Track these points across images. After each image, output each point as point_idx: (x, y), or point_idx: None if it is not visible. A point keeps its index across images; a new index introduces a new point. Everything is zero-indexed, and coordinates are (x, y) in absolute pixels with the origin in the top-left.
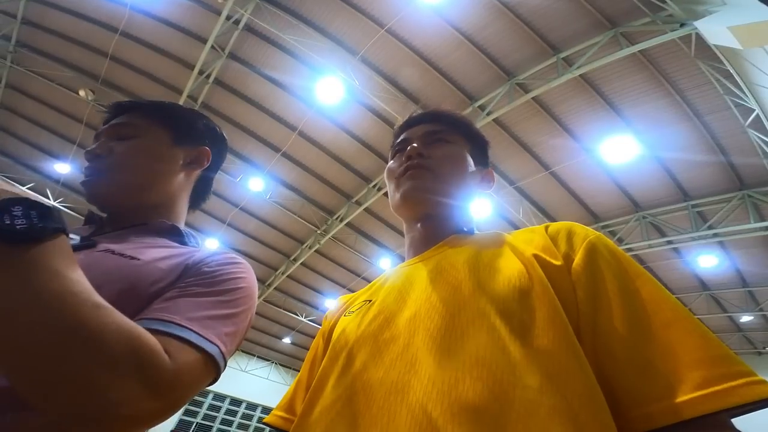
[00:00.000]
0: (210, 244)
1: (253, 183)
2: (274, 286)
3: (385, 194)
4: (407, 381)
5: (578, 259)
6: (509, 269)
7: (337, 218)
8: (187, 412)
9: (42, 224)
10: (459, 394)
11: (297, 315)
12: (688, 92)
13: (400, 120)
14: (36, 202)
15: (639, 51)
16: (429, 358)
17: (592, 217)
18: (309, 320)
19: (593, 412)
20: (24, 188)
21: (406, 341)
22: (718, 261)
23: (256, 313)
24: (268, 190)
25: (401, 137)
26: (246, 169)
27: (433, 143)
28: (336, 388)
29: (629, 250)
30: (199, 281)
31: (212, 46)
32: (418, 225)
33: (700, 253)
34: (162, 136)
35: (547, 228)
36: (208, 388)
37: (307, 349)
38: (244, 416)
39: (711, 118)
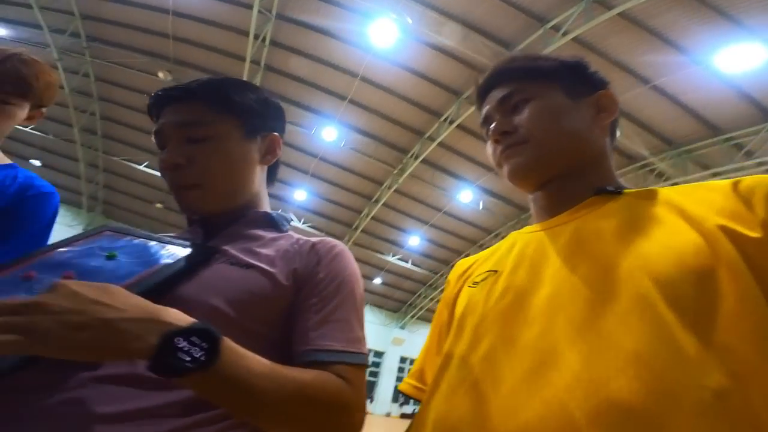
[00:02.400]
0: (298, 196)
1: (327, 133)
2: (360, 228)
3: (458, 127)
4: (543, 373)
5: None
6: (681, 243)
7: (411, 156)
8: None
9: (211, 348)
10: (609, 394)
11: (384, 255)
12: None
13: (462, 51)
14: (193, 329)
15: None
16: (572, 349)
17: (711, 129)
18: (397, 259)
19: None
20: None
21: (542, 327)
22: None
23: None
24: (341, 138)
25: (482, 114)
26: (318, 120)
27: (514, 109)
28: (461, 369)
29: (762, 164)
30: (326, 294)
31: (259, 10)
32: (541, 192)
33: None
34: (233, 132)
35: (735, 185)
36: None
37: (398, 289)
38: None
39: None
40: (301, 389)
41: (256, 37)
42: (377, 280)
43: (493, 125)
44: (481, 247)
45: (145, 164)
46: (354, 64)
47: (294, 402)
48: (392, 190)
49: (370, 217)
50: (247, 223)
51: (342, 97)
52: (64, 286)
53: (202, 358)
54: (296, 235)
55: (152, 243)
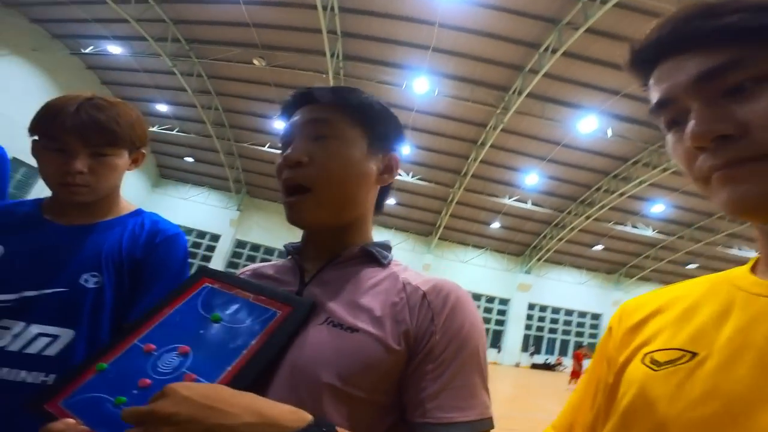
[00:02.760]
0: (403, 150)
1: (418, 85)
2: (470, 173)
3: (564, 55)
4: None
5: None
6: None
7: (514, 92)
8: None
9: None
10: None
11: (500, 198)
12: None
13: None
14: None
15: None
16: None
17: None
18: (514, 201)
19: None
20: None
21: None
22: None
23: (460, 202)
24: (433, 88)
25: (656, 94)
26: (407, 75)
27: (733, 93)
28: None
29: None
30: (444, 359)
31: None
32: None
33: None
34: (358, 141)
35: None
36: None
37: (519, 231)
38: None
39: None
40: None
41: (324, 7)
42: (495, 225)
43: (691, 122)
44: (617, 179)
45: (267, 145)
46: (428, 12)
47: None
48: (498, 130)
49: (478, 161)
50: (345, 262)
51: (425, 47)
52: (175, 392)
53: None
54: (401, 274)
55: (250, 297)
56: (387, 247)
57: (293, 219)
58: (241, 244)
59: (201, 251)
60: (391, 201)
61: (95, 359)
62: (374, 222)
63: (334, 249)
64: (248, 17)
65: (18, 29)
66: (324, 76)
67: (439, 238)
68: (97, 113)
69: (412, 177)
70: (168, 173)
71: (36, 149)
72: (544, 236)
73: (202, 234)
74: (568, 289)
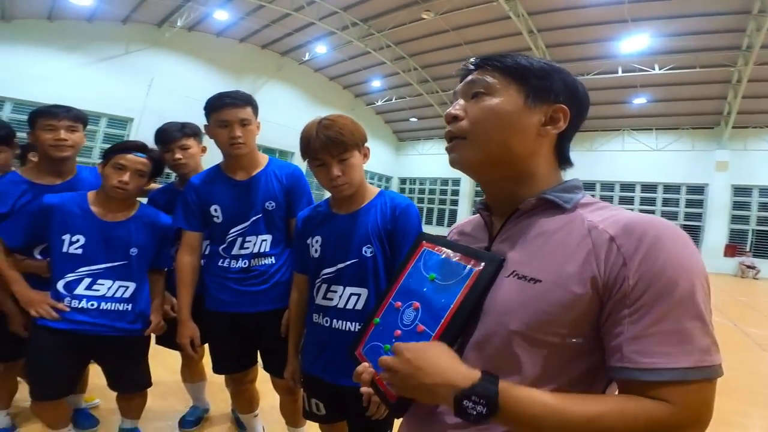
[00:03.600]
0: (626, 46)
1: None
2: (759, 44)
3: None
4: None
5: None
6: None
7: None
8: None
9: (489, 403)
10: None
11: None
12: None
13: None
14: (474, 391)
15: None
16: None
17: None
18: None
19: None
20: None
21: None
22: None
23: (754, 79)
24: None
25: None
26: None
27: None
28: None
29: None
30: (642, 304)
31: None
32: None
33: None
34: (514, 95)
35: None
36: None
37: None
38: None
39: None
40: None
41: None
42: None
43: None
44: None
45: None
46: None
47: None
48: None
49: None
50: (525, 214)
51: None
52: (401, 352)
53: (484, 412)
54: (588, 217)
55: (454, 257)
56: (572, 189)
57: (452, 162)
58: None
59: (448, 197)
60: (642, 100)
61: (373, 314)
62: (629, 127)
63: (512, 203)
64: None
65: (266, 58)
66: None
67: (733, 127)
68: (328, 132)
69: (662, 69)
70: (403, 136)
71: (310, 168)
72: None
73: (445, 181)
74: None
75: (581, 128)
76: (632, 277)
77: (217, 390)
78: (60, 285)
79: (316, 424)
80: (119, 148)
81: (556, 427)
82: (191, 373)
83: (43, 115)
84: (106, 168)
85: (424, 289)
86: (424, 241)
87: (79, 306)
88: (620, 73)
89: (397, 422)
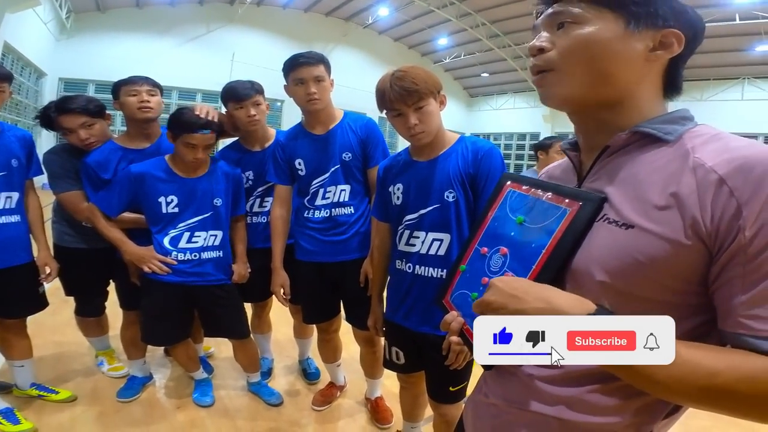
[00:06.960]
0: None
1: None
2: None
3: None
4: None
5: None
6: None
7: None
8: None
9: None
10: None
11: None
12: None
13: None
14: None
15: None
16: None
17: None
18: None
19: None
20: None
21: None
22: None
23: None
24: None
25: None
26: None
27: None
28: None
29: None
30: (759, 263)
31: None
32: None
33: None
34: (611, 22)
35: None
36: None
37: None
38: None
39: None
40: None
41: None
42: None
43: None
44: None
45: None
46: None
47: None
48: None
49: None
50: (618, 150)
51: None
52: (494, 285)
53: None
54: (696, 152)
55: (543, 197)
56: (677, 119)
57: (543, 98)
58: (560, 137)
59: (525, 151)
60: (766, 47)
61: (458, 261)
62: (751, 75)
63: (605, 136)
64: None
65: (331, 25)
66: None
67: None
68: (402, 83)
69: None
70: (474, 92)
71: (388, 119)
72: None
73: (522, 135)
74: None
75: (688, 77)
76: (750, 228)
77: (281, 345)
78: (166, 241)
79: (394, 375)
80: (187, 127)
81: (674, 377)
82: (261, 324)
83: (126, 84)
84: (178, 144)
85: (512, 233)
86: (509, 181)
87: (184, 258)
88: (737, 21)
89: (475, 373)
